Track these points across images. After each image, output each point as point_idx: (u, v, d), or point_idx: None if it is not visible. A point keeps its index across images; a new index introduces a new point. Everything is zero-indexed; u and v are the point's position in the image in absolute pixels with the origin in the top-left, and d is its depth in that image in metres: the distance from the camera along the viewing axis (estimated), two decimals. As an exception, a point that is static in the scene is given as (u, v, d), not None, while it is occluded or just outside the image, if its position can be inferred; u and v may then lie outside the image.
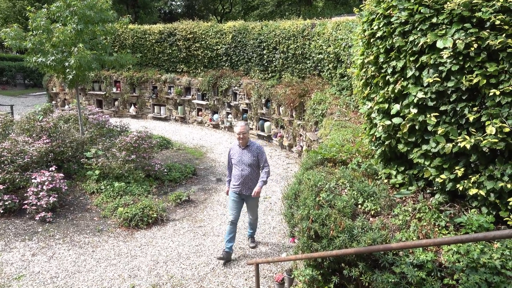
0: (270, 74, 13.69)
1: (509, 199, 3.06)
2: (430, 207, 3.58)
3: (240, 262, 6.00)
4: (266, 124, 13.40)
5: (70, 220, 7.29)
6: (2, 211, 7.22)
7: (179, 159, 11.13)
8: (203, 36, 15.33)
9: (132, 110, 16.87)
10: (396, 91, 3.75)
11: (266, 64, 13.75)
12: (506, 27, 3.03)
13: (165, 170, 9.42)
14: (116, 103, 17.17)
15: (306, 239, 3.71)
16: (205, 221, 7.45)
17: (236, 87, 14.34)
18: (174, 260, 6.07)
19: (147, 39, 16.41)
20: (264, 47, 13.60)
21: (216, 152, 12.24)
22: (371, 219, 3.69)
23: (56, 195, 7.47)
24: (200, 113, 15.83)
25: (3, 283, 5.36)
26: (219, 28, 15.08)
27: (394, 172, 4.14)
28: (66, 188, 7.85)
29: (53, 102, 17.86)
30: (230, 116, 14.85)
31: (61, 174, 7.89)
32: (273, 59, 13.42)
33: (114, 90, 16.96)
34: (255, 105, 13.73)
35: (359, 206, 3.85)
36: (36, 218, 7.12)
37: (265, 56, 13.63)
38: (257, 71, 14.07)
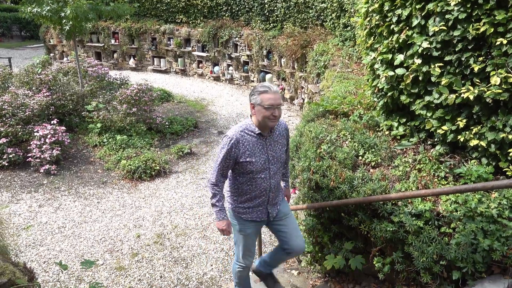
0: (271, 25, 13.34)
1: (509, 150, 3.07)
2: (430, 158, 3.60)
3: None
4: (268, 76, 13.23)
5: (74, 173, 7.40)
6: (6, 164, 7.31)
7: (180, 112, 11.11)
8: (202, -16, 14.79)
9: (131, 62, 16.61)
10: (400, 40, 3.66)
11: (267, 13, 13.36)
12: (518, -29, 2.90)
13: (167, 123, 9.43)
14: (115, 55, 16.87)
15: (307, 190, 3.77)
16: (207, 173, 7.54)
17: (236, 38, 14.02)
18: (177, 210, 6.21)
19: (145, -13, 15.86)
20: (265, -5, 13.15)
21: (217, 105, 12.19)
22: (371, 170, 3.73)
23: (59, 148, 7.54)
24: (200, 65, 15.59)
25: (12, 233, 5.53)
26: (218, -24, 14.53)
27: (395, 124, 4.13)
28: (68, 141, 7.90)
29: (51, 54, 17.55)
30: (231, 68, 14.64)
31: (63, 127, 7.91)
32: (275, 8, 13.01)
33: (113, 42, 16.61)
34: (256, 57, 13.49)
35: (360, 157, 3.88)
36: (40, 171, 7.22)
37: (266, 5, 13.21)
38: (258, 21, 13.70)
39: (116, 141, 8.21)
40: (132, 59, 16.65)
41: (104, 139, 8.38)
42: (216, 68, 15.06)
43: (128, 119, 8.57)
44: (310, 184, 3.72)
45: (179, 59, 15.81)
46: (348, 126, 4.34)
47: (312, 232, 3.93)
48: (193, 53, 15.41)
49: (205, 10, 15.11)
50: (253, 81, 14.00)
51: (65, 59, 17.04)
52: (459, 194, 3.07)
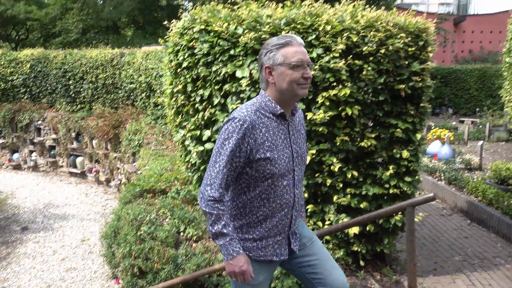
0: (79, 106, 12.74)
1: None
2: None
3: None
4: (79, 159, 12.37)
5: None
6: None
7: (-31, 211, 9.28)
8: (-7, 65, 13.38)
9: None
10: (205, 118, 3.94)
11: (73, 95, 12.76)
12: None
13: (-50, 226, 7.73)
14: None
15: (130, 277, 3.53)
16: (10, 279, 6.35)
17: (39, 122, 12.87)
18: (-32, 335, 4.98)
19: None
20: (69, 77, 12.62)
21: (19, 197, 10.66)
22: (194, 244, 3.74)
23: None
24: (-5, 153, 13.63)
25: None
26: (13, 57, 13.40)
27: (212, 195, 4.30)
28: None
29: None
30: (34, 154, 13.19)
31: None
32: (81, 89, 12.56)
33: None
34: (64, 140, 12.55)
35: (181, 233, 3.87)
36: None
37: (71, 86, 12.65)
38: (64, 103, 12.94)
39: None
40: None
41: None
42: (16, 156, 13.38)
43: None
44: (133, 271, 3.50)
45: (-35, 149, 13.52)
46: (166, 203, 4.33)
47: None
48: (-16, 140, 13.42)
49: (-3, 93, 13.56)
50: (62, 166, 12.88)
51: None
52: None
